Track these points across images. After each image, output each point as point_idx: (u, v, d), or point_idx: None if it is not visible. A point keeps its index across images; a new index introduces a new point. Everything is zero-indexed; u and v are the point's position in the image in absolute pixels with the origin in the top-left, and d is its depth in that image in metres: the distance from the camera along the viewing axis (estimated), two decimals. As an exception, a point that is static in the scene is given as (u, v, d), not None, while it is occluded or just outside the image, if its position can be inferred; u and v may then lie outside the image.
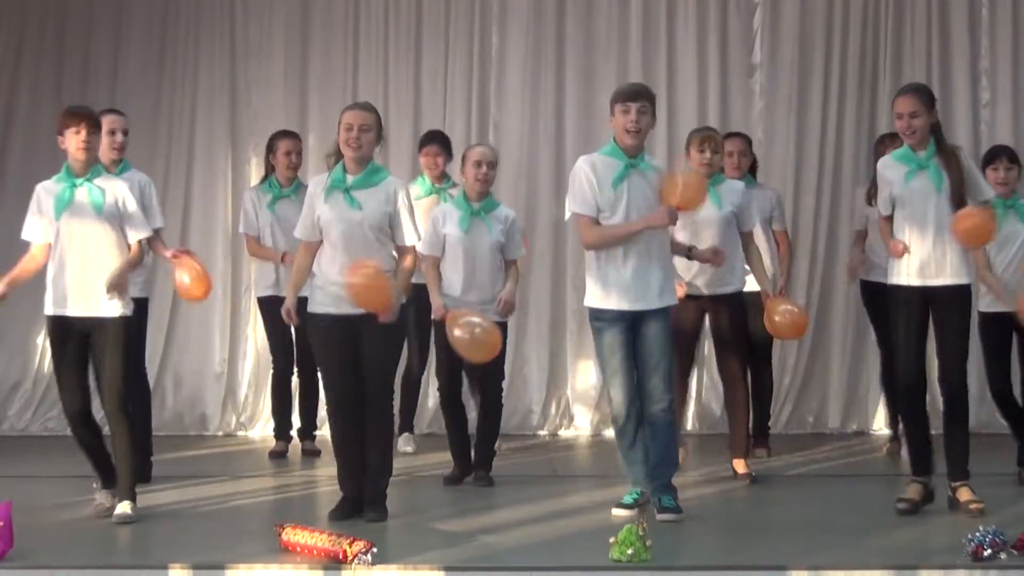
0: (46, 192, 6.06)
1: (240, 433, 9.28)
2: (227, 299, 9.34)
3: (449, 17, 9.51)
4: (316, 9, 9.60)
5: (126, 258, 6.08)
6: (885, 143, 7.57)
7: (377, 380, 6.04)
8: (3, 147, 9.49)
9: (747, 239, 7.14)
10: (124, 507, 6.03)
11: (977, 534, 5.05)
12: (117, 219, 6.06)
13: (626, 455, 6.22)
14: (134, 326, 6.27)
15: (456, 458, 7.15)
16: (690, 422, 9.11)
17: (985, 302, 6.93)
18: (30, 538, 5.47)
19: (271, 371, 8.36)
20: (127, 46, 9.62)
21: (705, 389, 9.23)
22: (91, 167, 6.06)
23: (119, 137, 6.83)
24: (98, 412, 6.22)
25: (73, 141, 5.99)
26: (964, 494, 6.14)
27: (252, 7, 9.64)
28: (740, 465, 7.13)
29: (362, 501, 6.07)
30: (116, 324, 6.03)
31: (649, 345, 6.10)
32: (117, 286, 5.99)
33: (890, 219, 6.27)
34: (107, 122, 6.67)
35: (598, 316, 6.14)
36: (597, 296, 6.14)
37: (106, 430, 6.17)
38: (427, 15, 9.53)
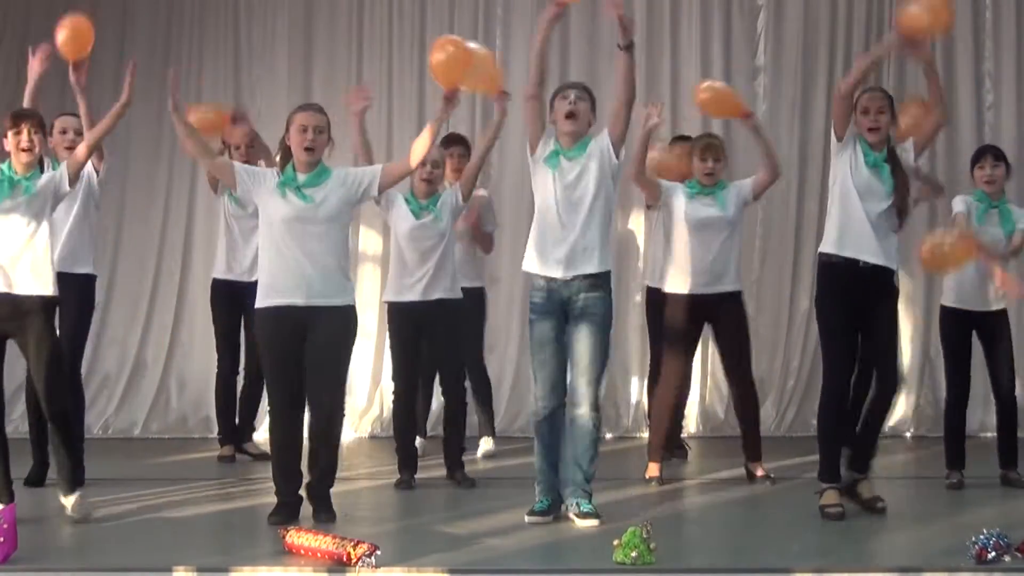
0: None
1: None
2: (231, 302, 9.34)
3: (453, 18, 9.53)
4: (320, 11, 9.63)
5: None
6: None
7: (328, 375, 5.98)
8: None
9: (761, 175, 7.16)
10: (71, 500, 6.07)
11: (981, 537, 5.04)
12: (48, 195, 6.09)
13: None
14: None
15: (404, 463, 7.06)
16: (693, 424, 9.13)
17: (947, 297, 6.98)
18: (34, 541, 5.48)
19: (215, 371, 8.17)
20: (131, 48, 9.62)
21: (709, 392, 9.23)
22: (32, 168, 6.11)
23: (71, 136, 6.96)
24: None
25: (13, 142, 6.07)
26: (866, 489, 6.16)
27: (256, 9, 9.68)
28: (759, 468, 7.14)
29: (299, 505, 6.05)
30: (43, 303, 6.05)
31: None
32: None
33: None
34: (60, 123, 7.01)
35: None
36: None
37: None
38: (431, 17, 9.55)
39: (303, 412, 6.05)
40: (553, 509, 6.04)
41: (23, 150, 6.05)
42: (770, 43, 9.42)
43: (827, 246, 6.16)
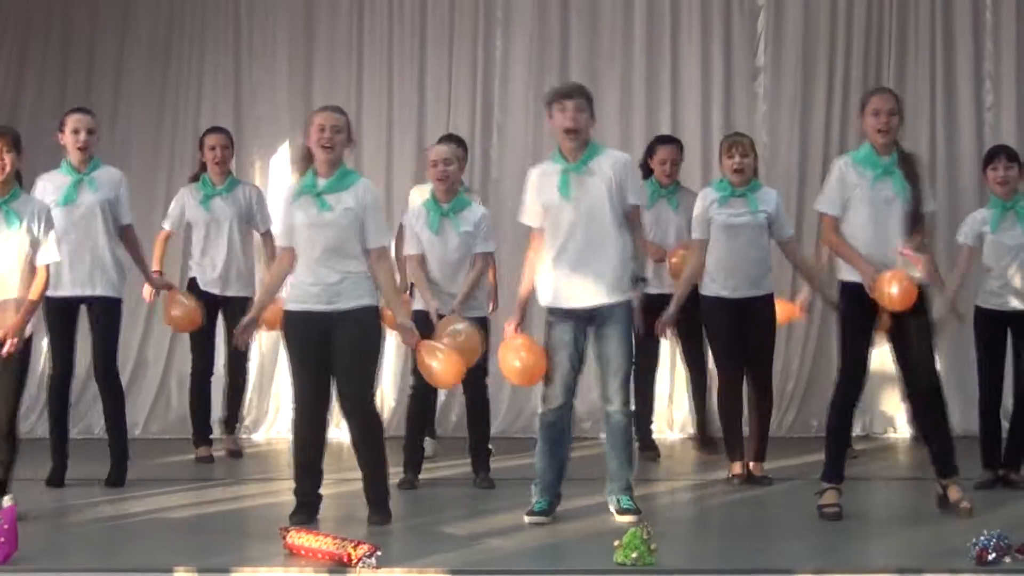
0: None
1: (244, 436, 9.28)
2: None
3: (453, 21, 9.53)
4: (320, 14, 9.62)
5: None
6: None
7: (358, 378, 5.95)
8: (7, 150, 9.51)
9: (787, 248, 7.22)
10: None
11: (982, 538, 5.04)
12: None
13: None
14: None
15: (410, 463, 7.05)
16: (692, 425, 9.12)
17: (983, 298, 6.89)
18: (34, 541, 5.48)
19: (190, 371, 8.26)
20: (132, 51, 9.65)
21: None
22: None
23: (83, 136, 6.91)
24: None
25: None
26: (954, 492, 6.13)
27: (256, 12, 9.67)
28: (758, 468, 7.18)
29: (319, 504, 6.03)
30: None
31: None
32: None
33: (836, 220, 6.15)
34: (72, 121, 6.93)
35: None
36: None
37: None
38: (431, 19, 9.55)
39: (327, 412, 6.04)
40: (552, 509, 6.04)
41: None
42: (770, 43, 9.41)
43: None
